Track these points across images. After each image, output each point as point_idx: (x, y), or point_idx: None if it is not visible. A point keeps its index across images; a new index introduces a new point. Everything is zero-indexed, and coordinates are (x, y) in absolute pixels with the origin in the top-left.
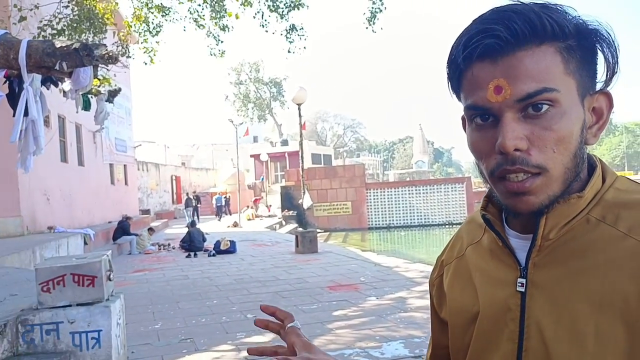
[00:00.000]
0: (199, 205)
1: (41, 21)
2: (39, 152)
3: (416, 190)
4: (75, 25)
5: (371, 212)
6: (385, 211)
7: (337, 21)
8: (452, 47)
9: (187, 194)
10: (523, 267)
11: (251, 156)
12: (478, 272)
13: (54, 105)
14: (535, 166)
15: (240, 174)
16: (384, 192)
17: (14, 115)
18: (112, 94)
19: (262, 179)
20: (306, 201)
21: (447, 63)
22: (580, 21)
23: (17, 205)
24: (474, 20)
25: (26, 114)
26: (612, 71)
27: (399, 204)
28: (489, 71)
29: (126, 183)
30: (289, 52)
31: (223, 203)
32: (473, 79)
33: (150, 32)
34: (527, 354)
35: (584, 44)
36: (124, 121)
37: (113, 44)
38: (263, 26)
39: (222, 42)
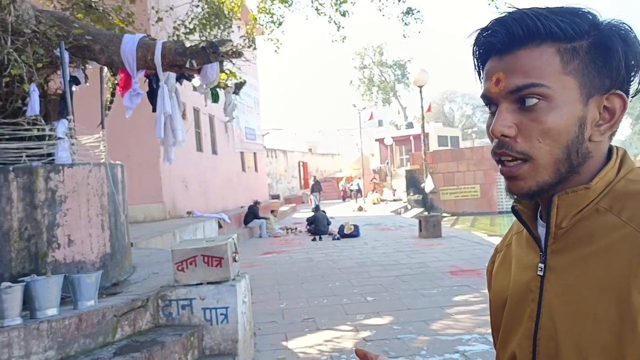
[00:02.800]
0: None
1: (175, 21)
2: (179, 144)
3: None
4: (205, 22)
5: (502, 195)
6: None
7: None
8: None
9: (314, 178)
10: (543, 253)
11: (376, 140)
12: (515, 258)
13: (189, 99)
14: (519, 152)
15: (364, 159)
16: None
17: (153, 111)
18: (238, 87)
19: (387, 162)
20: (428, 185)
21: (472, 55)
22: (596, 23)
23: (159, 192)
24: (491, 20)
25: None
26: (631, 72)
27: None
28: (495, 65)
29: (256, 170)
30: (404, 36)
31: (359, 187)
32: (485, 72)
33: (274, 23)
34: (541, 331)
35: (597, 46)
36: (252, 110)
37: (241, 37)
38: (380, 10)
39: (343, 27)
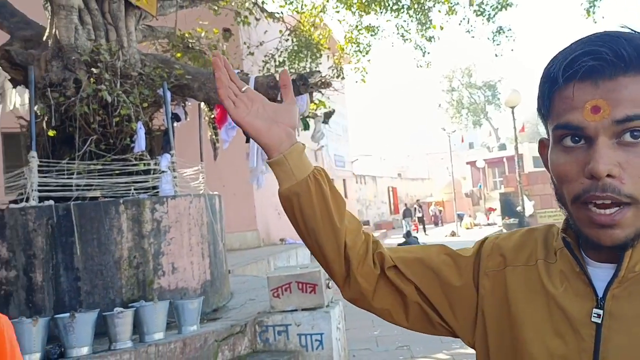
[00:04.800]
0: (423, 216)
1: (266, 55)
2: (269, 171)
3: None
4: (294, 55)
5: None
6: None
7: (553, 15)
8: (550, 65)
9: (406, 204)
10: (601, 298)
11: (467, 163)
12: (544, 294)
13: None
14: (627, 195)
15: (456, 182)
16: None
17: (246, 142)
18: (328, 116)
19: (480, 186)
20: (528, 208)
21: (542, 80)
22: None
23: (254, 220)
24: (576, 41)
25: None
26: None
27: None
28: (589, 92)
29: (346, 196)
30: (495, 55)
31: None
32: (569, 98)
33: (361, 52)
34: None
35: None
36: (341, 138)
37: (329, 68)
38: (469, 32)
39: (428, 53)
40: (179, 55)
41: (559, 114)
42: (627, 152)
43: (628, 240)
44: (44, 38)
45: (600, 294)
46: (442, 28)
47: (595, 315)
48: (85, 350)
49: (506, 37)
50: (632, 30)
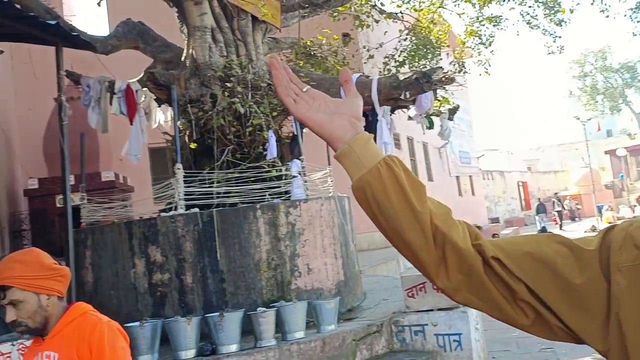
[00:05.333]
0: (563, 210)
1: (385, 56)
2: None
3: None
4: (413, 54)
5: None
6: None
7: None
8: None
9: (539, 199)
10: None
11: (605, 152)
12: None
13: (403, 128)
14: None
15: (594, 174)
16: None
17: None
18: (452, 112)
19: (622, 176)
20: None
21: None
22: None
23: None
24: None
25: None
26: None
27: None
28: None
29: (473, 193)
30: (633, 34)
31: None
32: None
33: (483, 44)
34: None
35: None
36: (465, 134)
37: (450, 63)
38: (603, 11)
39: (559, 37)
40: (301, 63)
41: None
42: None
43: None
44: (182, 58)
45: None
46: (571, 11)
47: None
48: (234, 348)
49: None
50: None
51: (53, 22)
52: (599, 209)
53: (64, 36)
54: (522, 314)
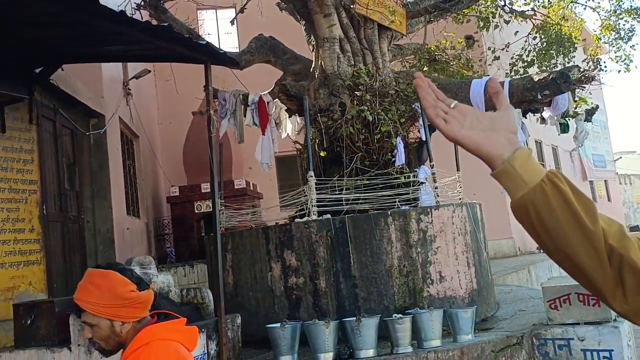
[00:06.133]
0: None
1: (512, 57)
2: None
3: None
4: (544, 53)
5: None
6: None
7: None
8: None
9: None
10: None
11: None
12: None
13: (531, 131)
14: None
15: None
16: None
17: None
18: (590, 113)
19: None
20: None
21: None
22: None
23: (508, 228)
24: None
25: None
26: None
27: None
28: None
29: (609, 199)
30: None
31: None
32: None
33: (622, 39)
34: None
35: None
36: (599, 136)
37: (583, 61)
38: None
39: None
40: (426, 69)
41: None
42: None
43: None
44: (311, 69)
45: None
46: None
47: None
48: (371, 353)
49: None
50: None
51: (204, 43)
52: None
53: (212, 55)
54: None
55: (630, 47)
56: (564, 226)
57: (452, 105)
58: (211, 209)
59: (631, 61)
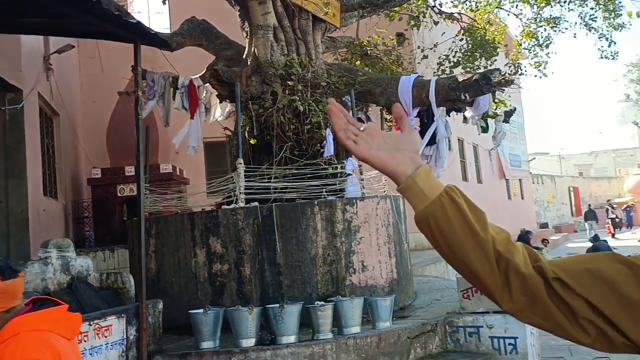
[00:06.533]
0: (616, 218)
1: (439, 57)
2: (445, 166)
3: None
4: (469, 54)
5: None
6: None
7: None
8: None
9: (589, 205)
10: None
11: None
12: None
13: (454, 130)
14: None
15: None
16: None
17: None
18: (508, 114)
19: None
20: None
21: None
22: None
23: None
24: None
25: (430, 143)
26: None
27: None
28: None
29: (522, 197)
30: None
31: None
32: None
33: (540, 46)
34: None
35: None
36: (516, 137)
37: (505, 64)
38: None
39: (614, 43)
40: (357, 63)
41: None
42: None
43: None
44: (244, 56)
45: None
46: (638, 15)
47: None
48: (292, 339)
49: None
50: None
51: (134, 21)
52: None
53: (142, 34)
54: (583, 333)
55: (546, 54)
56: (459, 235)
57: (362, 128)
58: (135, 193)
59: (546, 67)
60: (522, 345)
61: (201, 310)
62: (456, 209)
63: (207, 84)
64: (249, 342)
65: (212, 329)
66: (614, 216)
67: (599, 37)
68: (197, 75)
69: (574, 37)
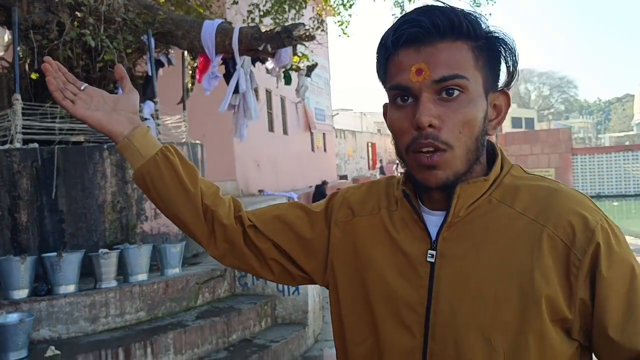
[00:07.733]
0: (401, 171)
1: (250, 4)
2: (255, 117)
3: (633, 155)
4: (278, 5)
5: (577, 179)
6: (594, 179)
7: None
8: (384, 34)
9: (381, 161)
10: (434, 241)
11: None
12: (388, 238)
13: (262, 81)
14: (443, 142)
15: None
16: (594, 158)
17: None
18: (310, 69)
19: None
20: None
21: (377, 47)
22: (490, 29)
23: (233, 170)
24: (405, 14)
25: (237, 91)
26: (511, 75)
27: (611, 171)
28: (413, 57)
29: (325, 150)
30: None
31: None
32: (398, 63)
33: (344, 6)
34: (435, 316)
35: (491, 48)
36: (322, 91)
37: (310, 18)
38: None
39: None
40: (161, 1)
41: (392, 77)
42: (445, 107)
43: (448, 181)
44: None
45: (433, 237)
46: None
47: (430, 255)
48: (72, 288)
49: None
50: (445, 3)
51: None
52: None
53: None
54: (268, 271)
55: (349, 14)
56: (171, 190)
57: (82, 88)
58: None
59: (348, 27)
60: (304, 286)
61: None
62: (170, 167)
63: None
64: (20, 293)
65: None
66: (402, 172)
67: (394, 4)
68: None
69: (374, 1)
